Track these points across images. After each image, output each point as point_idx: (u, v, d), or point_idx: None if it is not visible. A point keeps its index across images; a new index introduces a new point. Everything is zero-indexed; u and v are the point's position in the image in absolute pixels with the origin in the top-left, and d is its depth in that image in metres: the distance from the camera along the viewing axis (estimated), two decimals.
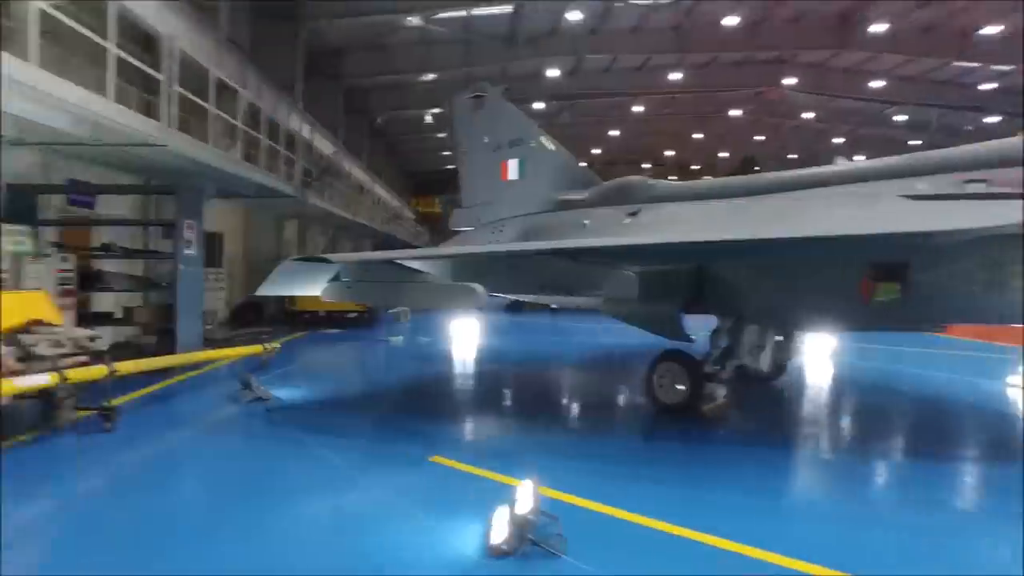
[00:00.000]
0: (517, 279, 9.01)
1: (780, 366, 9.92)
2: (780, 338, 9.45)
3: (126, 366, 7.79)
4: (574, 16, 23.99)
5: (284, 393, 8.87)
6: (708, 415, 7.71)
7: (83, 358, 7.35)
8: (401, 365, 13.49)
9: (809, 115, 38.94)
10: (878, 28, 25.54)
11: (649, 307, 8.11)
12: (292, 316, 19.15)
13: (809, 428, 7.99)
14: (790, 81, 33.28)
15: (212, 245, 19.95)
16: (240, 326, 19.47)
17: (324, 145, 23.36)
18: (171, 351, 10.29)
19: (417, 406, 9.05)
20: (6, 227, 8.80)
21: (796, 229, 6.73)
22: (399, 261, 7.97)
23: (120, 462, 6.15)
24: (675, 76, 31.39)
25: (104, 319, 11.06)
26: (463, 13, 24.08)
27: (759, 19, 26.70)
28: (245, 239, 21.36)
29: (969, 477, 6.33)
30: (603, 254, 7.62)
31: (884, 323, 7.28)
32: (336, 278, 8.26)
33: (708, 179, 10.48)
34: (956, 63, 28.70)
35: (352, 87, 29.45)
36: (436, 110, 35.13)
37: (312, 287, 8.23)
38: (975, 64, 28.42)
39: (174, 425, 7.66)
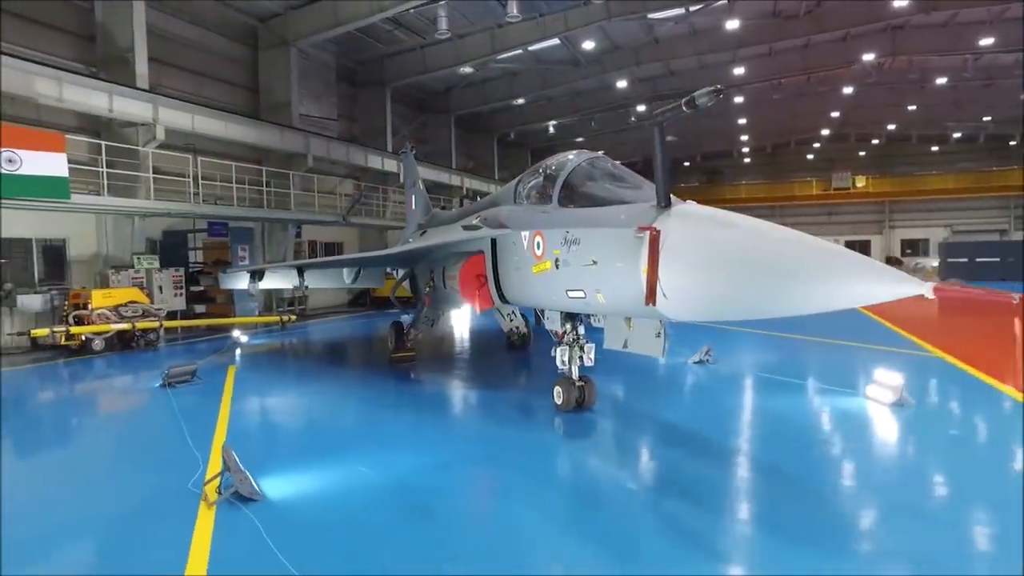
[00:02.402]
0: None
1: (524, 338, 14.35)
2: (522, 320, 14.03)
3: (172, 323, 16.18)
4: (587, 44, 27.88)
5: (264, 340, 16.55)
6: (395, 360, 13.04)
7: (151, 317, 15.83)
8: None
9: (942, 80, 35.29)
10: None
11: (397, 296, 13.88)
12: (374, 300, 27.24)
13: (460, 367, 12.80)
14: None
15: (333, 250, 29.26)
16: (355, 306, 28.35)
17: (421, 171, 31.24)
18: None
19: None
20: (146, 256, 17.93)
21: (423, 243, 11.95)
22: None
23: (151, 355, 14.24)
24: (738, 70, 32.39)
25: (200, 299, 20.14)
26: (519, 51, 29.54)
27: None
28: (360, 244, 30.19)
29: None
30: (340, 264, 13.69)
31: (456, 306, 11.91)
32: (257, 278, 15.30)
33: (457, 209, 15.11)
34: None
35: (465, 115, 36.90)
36: (554, 121, 40.91)
37: (239, 283, 15.50)
38: None
39: (190, 349, 15.76)
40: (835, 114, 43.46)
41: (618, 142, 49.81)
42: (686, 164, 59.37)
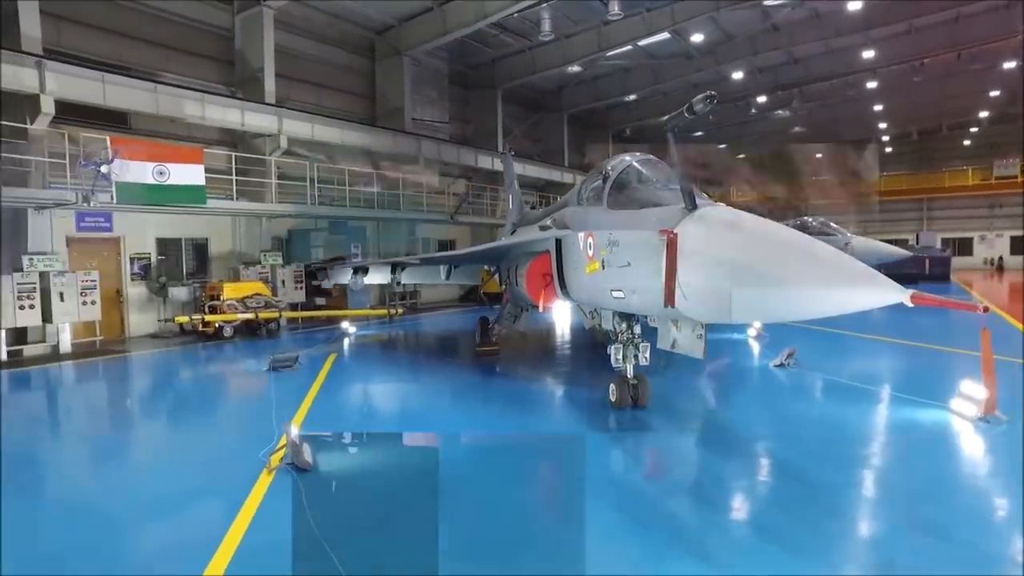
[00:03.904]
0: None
1: (607, 335, 14.44)
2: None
3: (289, 313, 18.03)
4: (695, 38, 26.97)
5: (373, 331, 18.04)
6: (479, 353, 13.69)
7: (272, 308, 17.72)
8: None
9: None
10: None
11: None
12: (481, 297, 28.27)
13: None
14: None
15: (446, 247, 30.78)
16: (466, 301, 29.68)
17: (533, 170, 32.08)
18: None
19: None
20: (271, 253, 20.05)
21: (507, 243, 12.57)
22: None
23: (272, 342, 16.04)
24: (868, 53, 29.77)
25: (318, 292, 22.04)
26: (627, 47, 29.24)
27: None
28: (472, 242, 31.45)
29: None
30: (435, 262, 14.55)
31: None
32: (358, 272, 16.58)
33: (542, 209, 15.38)
34: None
35: (579, 112, 37.11)
36: (666, 116, 39.88)
37: (344, 278, 16.85)
38: None
39: (306, 338, 17.47)
40: (995, 93, 38.58)
41: (739, 135, 47.74)
42: (818, 156, 55.38)
